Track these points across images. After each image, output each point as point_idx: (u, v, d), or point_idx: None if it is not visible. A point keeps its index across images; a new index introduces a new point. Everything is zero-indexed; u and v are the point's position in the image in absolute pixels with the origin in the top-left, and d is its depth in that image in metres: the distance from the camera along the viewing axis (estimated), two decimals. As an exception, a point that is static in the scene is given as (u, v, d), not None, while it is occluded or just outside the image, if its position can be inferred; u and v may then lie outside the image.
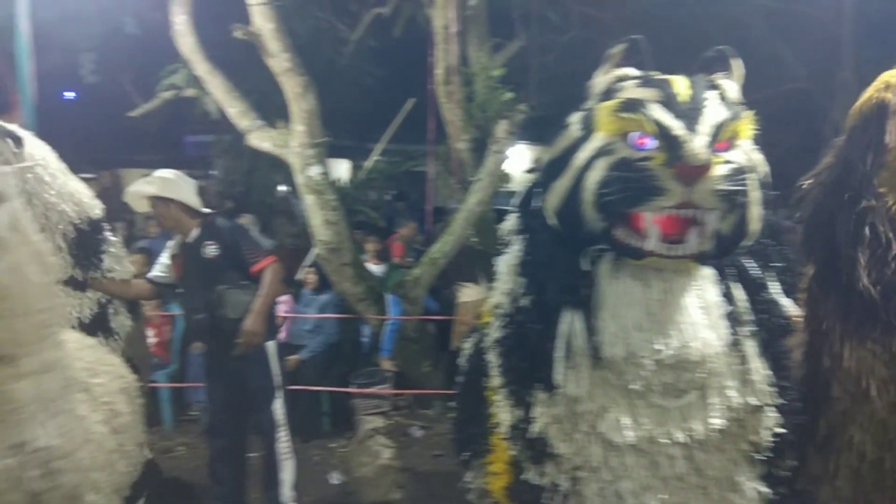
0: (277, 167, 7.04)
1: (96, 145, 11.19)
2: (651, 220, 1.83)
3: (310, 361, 5.58)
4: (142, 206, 3.61)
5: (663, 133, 1.78)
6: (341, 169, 9.79)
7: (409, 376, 5.69)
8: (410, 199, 9.05)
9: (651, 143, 1.81)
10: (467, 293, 5.43)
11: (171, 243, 3.70)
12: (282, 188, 8.69)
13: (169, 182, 3.51)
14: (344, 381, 5.53)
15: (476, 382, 2.56)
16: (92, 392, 2.42)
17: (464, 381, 2.82)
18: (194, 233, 3.52)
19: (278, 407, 3.66)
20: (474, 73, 5.62)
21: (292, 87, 5.37)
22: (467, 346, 2.96)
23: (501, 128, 5.38)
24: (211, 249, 3.44)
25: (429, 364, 5.76)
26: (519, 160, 7.55)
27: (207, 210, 3.70)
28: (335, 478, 4.56)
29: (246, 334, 3.35)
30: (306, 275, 5.94)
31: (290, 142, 5.55)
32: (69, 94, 11.04)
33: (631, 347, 1.91)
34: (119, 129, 10.93)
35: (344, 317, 5.82)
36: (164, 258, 3.69)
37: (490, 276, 5.45)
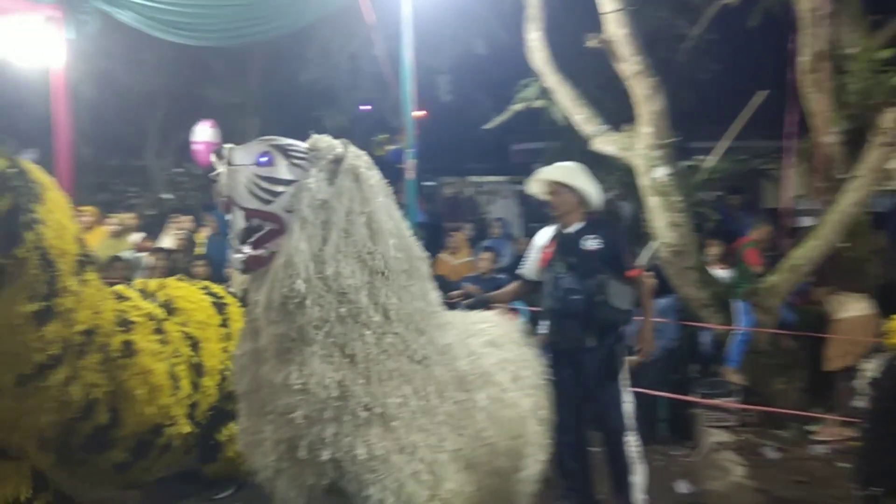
0: (607, 170, 7.11)
1: (439, 157, 12.59)
2: None
3: (648, 365, 5.49)
4: (540, 190, 3.81)
5: None
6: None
7: (758, 392, 5.27)
8: (748, 198, 8.40)
9: None
10: (850, 307, 4.80)
11: (541, 238, 3.82)
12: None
13: (575, 172, 3.74)
14: (681, 387, 5.36)
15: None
16: (522, 383, 2.61)
17: (878, 408, 2.50)
18: (577, 225, 3.70)
19: (628, 409, 3.68)
20: (853, 56, 4.96)
21: (641, 89, 5.38)
22: (870, 367, 2.63)
23: (889, 117, 4.65)
24: (593, 243, 3.59)
25: (783, 381, 5.27)
26: None
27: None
28: (684, 486, 4.43)
29: (645, 345, 3.71)
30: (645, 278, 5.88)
31: (636, 144, 5.56)
32: (418, 113, 12.55)
33: None
34: (455, 141, 12.14)
35: (690, 324, 5.62)
36: (532, 257, 3.83)
37: (869, 287, 4.76)
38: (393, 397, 2.09)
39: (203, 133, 8.81)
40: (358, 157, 2.23)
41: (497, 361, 2.63)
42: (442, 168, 12.86)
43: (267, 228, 2.11)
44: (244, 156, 2.14)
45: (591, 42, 5.40)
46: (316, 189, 2.10)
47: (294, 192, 2.11)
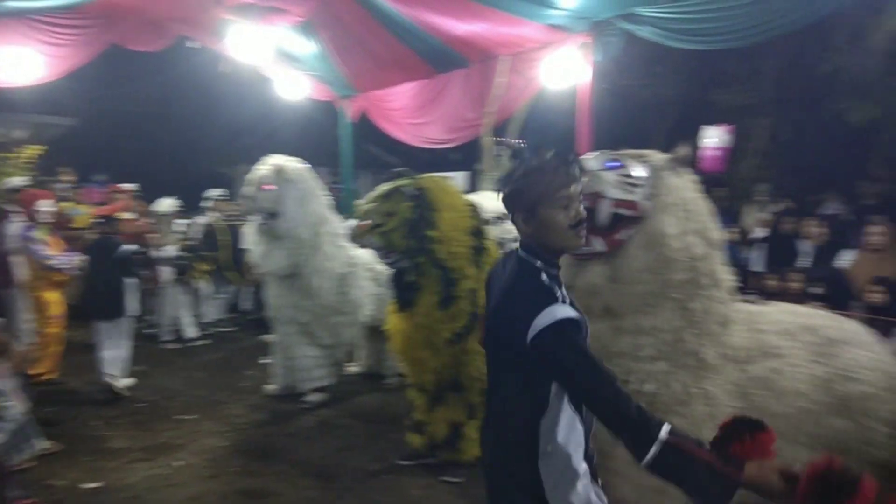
0: None
1: None
2: None
3: None
4: None
5: None
6: None
7: None
8: None
9: None
10: None
11: None
12: None
13: None
14: None
15: None
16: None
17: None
18: None
19: None
20: None
21: None
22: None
23: None
24: None
25: None
26: None
27: None
28: None
29: None
30: None
31: None
32: None
33: None
34: None
35: None
36: None
37: None
38: (709, 350, 2.55)
39: (714, 138, 8.73)
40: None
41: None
42: None
43: (625, 216, 2.55)
44: (595, 163, 2.62)
45: None
46: (672, 181, 2.62)
47: (652, 184, 2.59)
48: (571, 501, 1.78)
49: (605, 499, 1.87)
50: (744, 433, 1.64)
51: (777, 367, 2.64)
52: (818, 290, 5.61)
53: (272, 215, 5.37)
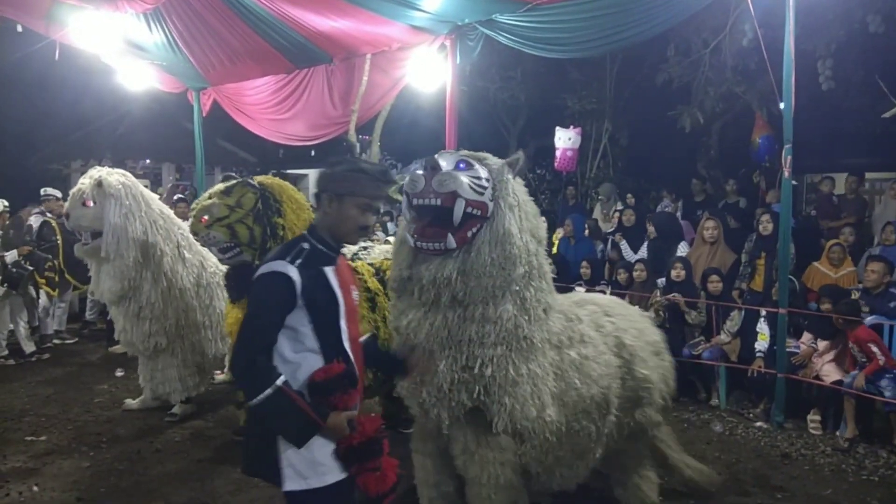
0: None
1: (805, 151, 11.17)
2: None
3: None
4: None
5: None
6: None
7: None
8: None
9: None
10: None
11: None
12: None
13: None
14: None
15: None
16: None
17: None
18: None
19: None
20: None
21: None
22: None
23: None
24: None
25: None
26: None
27: None
28: None
29: None
30: None
31: None
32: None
33: None
34: (829, 132, 10.65)
35: None
36: None
37: None
38: (537, 334, 2.83)
39: (566, 139, 9.32)
40: None
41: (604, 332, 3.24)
42: (810, 164, 11.45)
43: (475, 214, 2.70)
44: (447, 163, 2.73)
45: None
46: (511, 183, 2.82)
47: (495, 185, 2.75)
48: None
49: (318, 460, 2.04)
50: (345, 388, 2.06)
51: (586, 344, 3.11)
52: (669, 278, 6.14)
53: (94, 234, 4.96)
